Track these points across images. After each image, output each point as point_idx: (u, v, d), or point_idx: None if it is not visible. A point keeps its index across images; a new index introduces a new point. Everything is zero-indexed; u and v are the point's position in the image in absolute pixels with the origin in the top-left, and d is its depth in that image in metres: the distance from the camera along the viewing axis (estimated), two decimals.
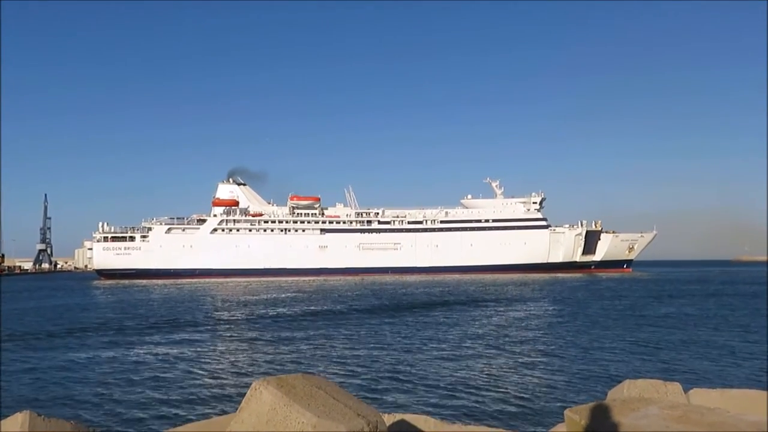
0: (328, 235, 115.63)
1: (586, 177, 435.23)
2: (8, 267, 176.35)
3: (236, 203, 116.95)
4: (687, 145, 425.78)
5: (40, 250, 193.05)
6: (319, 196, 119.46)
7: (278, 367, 21.79)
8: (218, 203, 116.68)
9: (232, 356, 24.89)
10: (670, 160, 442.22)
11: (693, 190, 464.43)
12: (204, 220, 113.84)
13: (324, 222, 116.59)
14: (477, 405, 16.08)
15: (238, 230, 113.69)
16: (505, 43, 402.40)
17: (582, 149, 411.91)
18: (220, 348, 27.20)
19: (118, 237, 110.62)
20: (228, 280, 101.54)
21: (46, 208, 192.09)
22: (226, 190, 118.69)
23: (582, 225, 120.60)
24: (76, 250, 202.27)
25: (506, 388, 17.96)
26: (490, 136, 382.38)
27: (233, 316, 41.47)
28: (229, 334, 31.92)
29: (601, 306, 46.43)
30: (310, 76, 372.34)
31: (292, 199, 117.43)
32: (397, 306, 47.35)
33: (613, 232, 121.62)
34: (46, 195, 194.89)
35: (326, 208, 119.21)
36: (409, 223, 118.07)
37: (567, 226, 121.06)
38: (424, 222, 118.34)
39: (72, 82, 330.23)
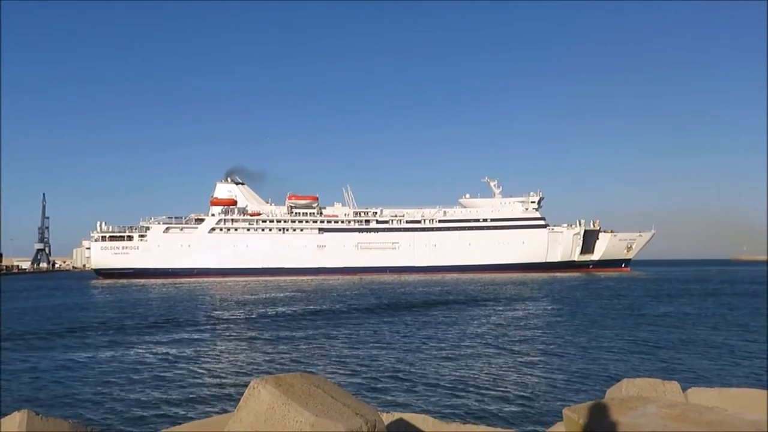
0: (326, 234, 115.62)
1: (585, 176, 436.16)
2: (6, 266, 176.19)
3: (234, 203, 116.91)
4: (685, 144, 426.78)
5: (38, 250, 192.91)
6: (317, 196, 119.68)
7: (276, 366, 21.79)
8: (216, 203, 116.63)
9: (231, 355, 24.89)
10: (669, 159, 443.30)
11: (691, 189, 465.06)
12: (202, 220, 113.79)
13: (322, 221, 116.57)
14: (475, 404, 16.09)
15: (236, 230, 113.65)
16: (505, 43, 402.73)
17: (580, 149, 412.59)
18: (218, 347, 27.20)
19: (116, 236, 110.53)
20: (226, 279, 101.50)
21: (44, 207, 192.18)
22: (224, 190, 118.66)
23: (580, 224, 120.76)
24: (74, 250, 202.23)
25: (505, 387, 17.97)
26: (489, 136, 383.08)
27: (231, 315, 41.45)
28: (227, 334, 31.92)
29: (600, 305, 46.46)
30: (309, 76, 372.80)
31: (290, 198, 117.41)
32: (396, 305, 47.36)
33: (612, 232, 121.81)
34: (44, 194, 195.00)
35: (324, 208, 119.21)
36: (407, 222, 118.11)
37: (565, 225, 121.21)
38: (423, 221, 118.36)
39: (72, 82, 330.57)
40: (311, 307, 46.92)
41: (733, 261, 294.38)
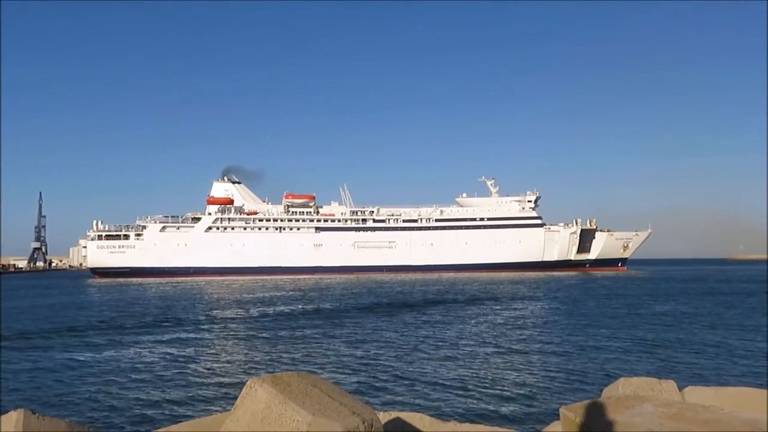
0: (323, 233, 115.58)
1: (582, 176, 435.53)
2: (3, 265, 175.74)
3: (231, 201, 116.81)
4: (682, 144, 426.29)
5: (35, 249, 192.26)
6: (314, 195, 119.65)
7: (273, 365, 21.77)
8: (213, 201, 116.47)
9: (228, 354, 24.88)
10: (667, 159, 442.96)
11: (688, 189, 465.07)
12: (198, 219, 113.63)
13: (319, 220, 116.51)
14: (472, 403, 16.10)
15: (232, 228, 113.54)
16: (505, 43, 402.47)
17: (577, 148, 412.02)
18: (215, 346, 27.18)
19: (112, 235, 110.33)
20: (223, 278, 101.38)
21: (40, 206, 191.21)
22: (220, 189, 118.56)
23: (577, 223, 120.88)
24: (70, 249, 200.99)
25: (502, 386, 17.98)
26: (487, 135, 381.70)
27: (228, 314, 41.42)
28: (224, 333, 31.91)
29: (597, 304, 46.52)
30: (309, 75, 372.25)
31: (286, 197, 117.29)
32: (393, 304, 47.36)
33: (608, 231, 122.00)
34: (41, 193, 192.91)
35: (321, 207, 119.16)
36: (404, 221, 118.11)
37: (562, 224, 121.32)
38: (419, 220, 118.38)
39: (71, 81, 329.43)
40: (308, 306, 46.91)
41: (729, 260, 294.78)
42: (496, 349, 25.17)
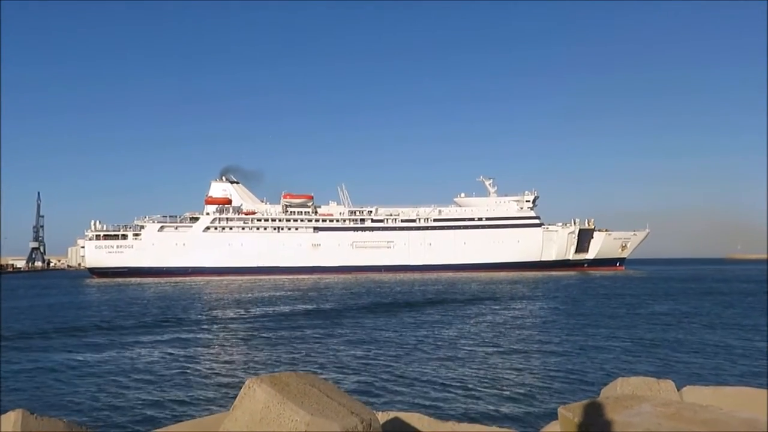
0: (321, 233, 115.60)
1: (580, 176, 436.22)
2: (1, 265, 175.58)
3: (229, 201, 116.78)
4: (682, 144, 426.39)
5: (33, 249, 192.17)
6: (312, 195, 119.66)
7: (272, 365, 21.77)
8: (211, 201, 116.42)
9: (226, 354, 24.87)
10: (665, 159, 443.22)
11: (686, 189, 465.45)
12: (196, 219, 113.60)
13: (317, 220, 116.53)
14: (471, 403, 16.11)
15: (230, 228, 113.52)
16: (505, 43, 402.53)
17: (576, 148, 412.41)
18: (214, 346, 27.17)
19: (110, 235, 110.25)
20: (221, 278, 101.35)
21: (39, 206, 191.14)
22: (218, 189, 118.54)
23: (575, 223, 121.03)
24: (69, 249, 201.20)
25: (500, 386, 17.99)
26: (486, 135, 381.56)
27: (227, 314, 41.40)
28: (222, 333, 31.89)
29: (595, 304, 46.55)
30: (308, 75, 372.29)
31: (284, 197, 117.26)
32: (391, 304, 47.36)
33: (606, 231, 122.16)
34: (39, 193, 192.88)
35: (319, 207, 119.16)
36: (402, 221, 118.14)
37: (560, 224, 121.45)
38: (418, 220, 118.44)
39: (71, 81, 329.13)
40: (306, 306, 46.90)
41: (727, 260, 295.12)
42: (494, 349, 25.17)
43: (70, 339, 29.64)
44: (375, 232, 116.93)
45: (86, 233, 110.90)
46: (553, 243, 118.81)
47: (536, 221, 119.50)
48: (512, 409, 15.40)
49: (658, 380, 6.43)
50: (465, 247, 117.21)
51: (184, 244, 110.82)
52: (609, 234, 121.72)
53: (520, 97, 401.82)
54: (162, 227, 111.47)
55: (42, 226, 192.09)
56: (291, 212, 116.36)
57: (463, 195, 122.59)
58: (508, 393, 17.12)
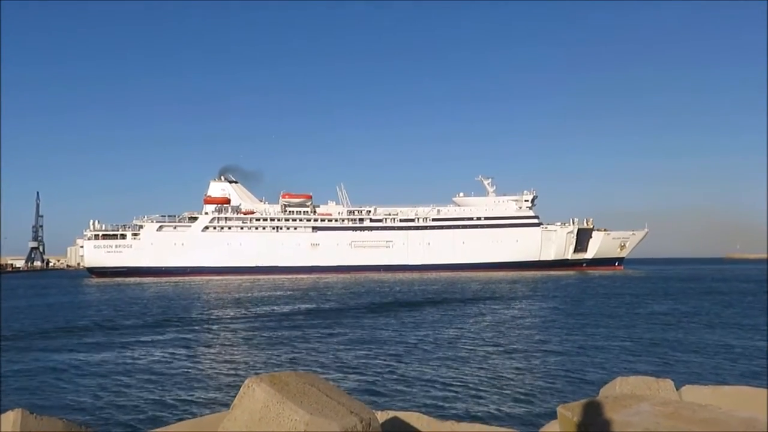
0: (320, 233, 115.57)
1: (579, 175, 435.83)
2: (0, 265, 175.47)
3: (228, 201, 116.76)
4: (682, 144, 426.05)
5: (32, 248, 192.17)
6: (311, 194, 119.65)
7: (272, 365, 21.77)
8: (210, 201, 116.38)
9: (227, 354, 24.86)
10: (663, 159, 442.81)
11: (685, 189, 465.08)
12: (195, 218, 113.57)
13: (316, 220, 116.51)
14: (470, 402, 16.11)
15: (229, 228, 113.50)
16: (504, 42, 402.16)
17: (575, 147, 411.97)
18: (213, 346, 27.16)
19: (109, 235, 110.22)
20: (220, 278, 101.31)
21: (38, 205, 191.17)
22: (217, 188, 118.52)
23: (574, 223, 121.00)
24: (68, 248, 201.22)
25: (499, 385, 17.99)
26: (485, 135, 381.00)
27: (227, 314, 41.39)
28: (223, 332, 31.88)
29: (594, 303, 46.56)
30: (308, 75, 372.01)
31: (283, 196, 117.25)
32: (390, 303, 47.36)
33: (605, 230, 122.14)
34: (38, 193, 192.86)
35: (318, 206, 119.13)
36: (401, 221, 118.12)
37: (559, 224, 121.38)
38: (416, 220, 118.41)
39: (71, 81, 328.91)
40: (305, 305, 46.88)
41: (726, 259, 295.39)
42: (494, 348, 25.17)
43: (71, 339, 29.62)
44: (374, 231, 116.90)
45: (85, 233, 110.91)
46: (552, 243, 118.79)
47: (535, 221, 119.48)
48: (512, 409, 15.41)
49: (657, 379, 6.43)
50: (464, 246, 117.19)
51: (182, 244, 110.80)
52: (608, 233, 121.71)
53: (519, 97, 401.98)
54: (161, 227, 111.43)
55: (41, 226, 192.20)
56: (290, 212, 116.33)
57: (461, 195, 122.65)
58: (507, 392, 17.13)
